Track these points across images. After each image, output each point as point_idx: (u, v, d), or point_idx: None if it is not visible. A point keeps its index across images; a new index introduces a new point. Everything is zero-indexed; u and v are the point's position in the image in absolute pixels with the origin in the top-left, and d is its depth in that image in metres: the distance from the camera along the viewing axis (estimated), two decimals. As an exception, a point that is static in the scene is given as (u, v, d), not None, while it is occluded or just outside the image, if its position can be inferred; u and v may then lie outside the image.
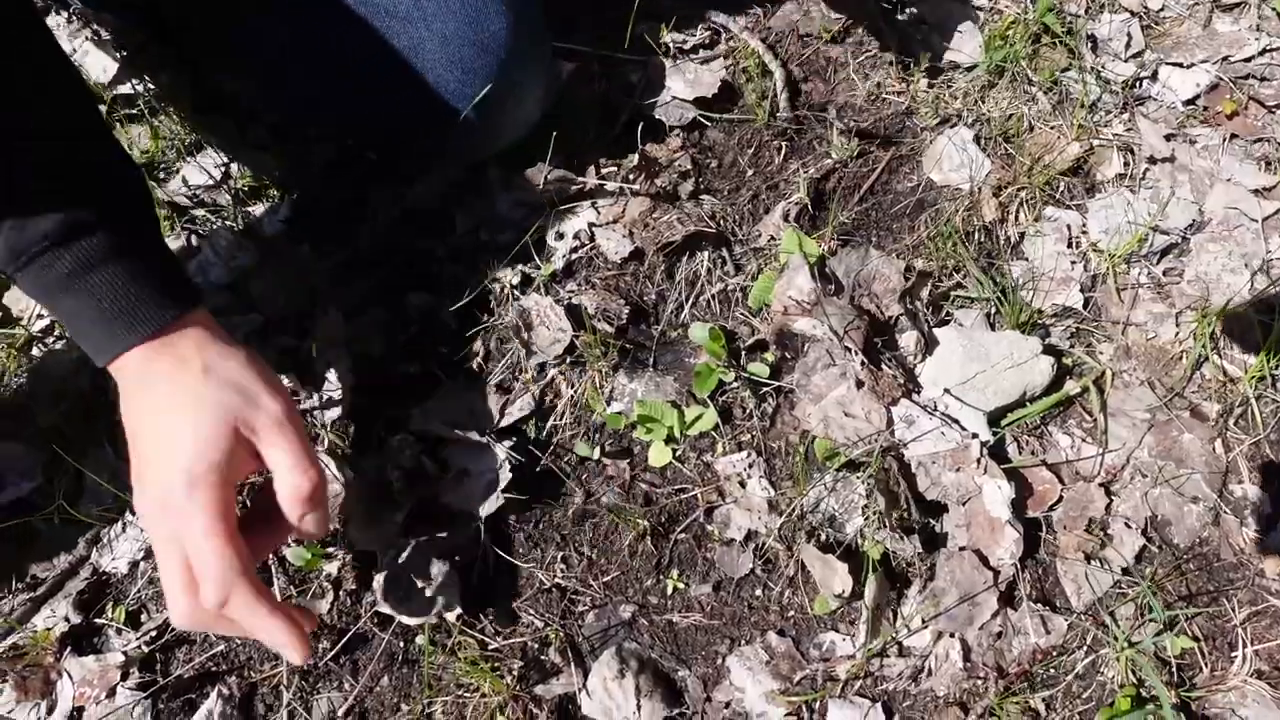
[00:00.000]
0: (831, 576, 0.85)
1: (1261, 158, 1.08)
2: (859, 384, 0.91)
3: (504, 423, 0.95)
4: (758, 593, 0.90)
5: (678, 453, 0.95)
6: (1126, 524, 0.89)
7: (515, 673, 0.87)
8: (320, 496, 0.68)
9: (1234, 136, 1.09)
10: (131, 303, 0.65)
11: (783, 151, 1.11)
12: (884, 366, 0.92)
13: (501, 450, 0.92)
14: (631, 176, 1.05)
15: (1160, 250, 1.03)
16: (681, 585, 0.91)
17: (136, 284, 0.66)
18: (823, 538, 0.90)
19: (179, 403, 0.65)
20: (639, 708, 0.84)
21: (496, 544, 0.93)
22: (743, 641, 0.89)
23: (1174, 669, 0.84)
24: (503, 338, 1.01)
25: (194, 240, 1.10)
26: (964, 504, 0.89)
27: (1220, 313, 0.96)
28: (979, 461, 0.89)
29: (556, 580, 0.92)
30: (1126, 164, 1.08)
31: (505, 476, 0.91)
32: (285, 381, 0.96)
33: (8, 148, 0.62)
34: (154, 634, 0.89)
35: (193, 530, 0.62)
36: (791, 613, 0.90)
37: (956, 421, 0.91)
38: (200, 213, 1.12)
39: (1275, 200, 1.05)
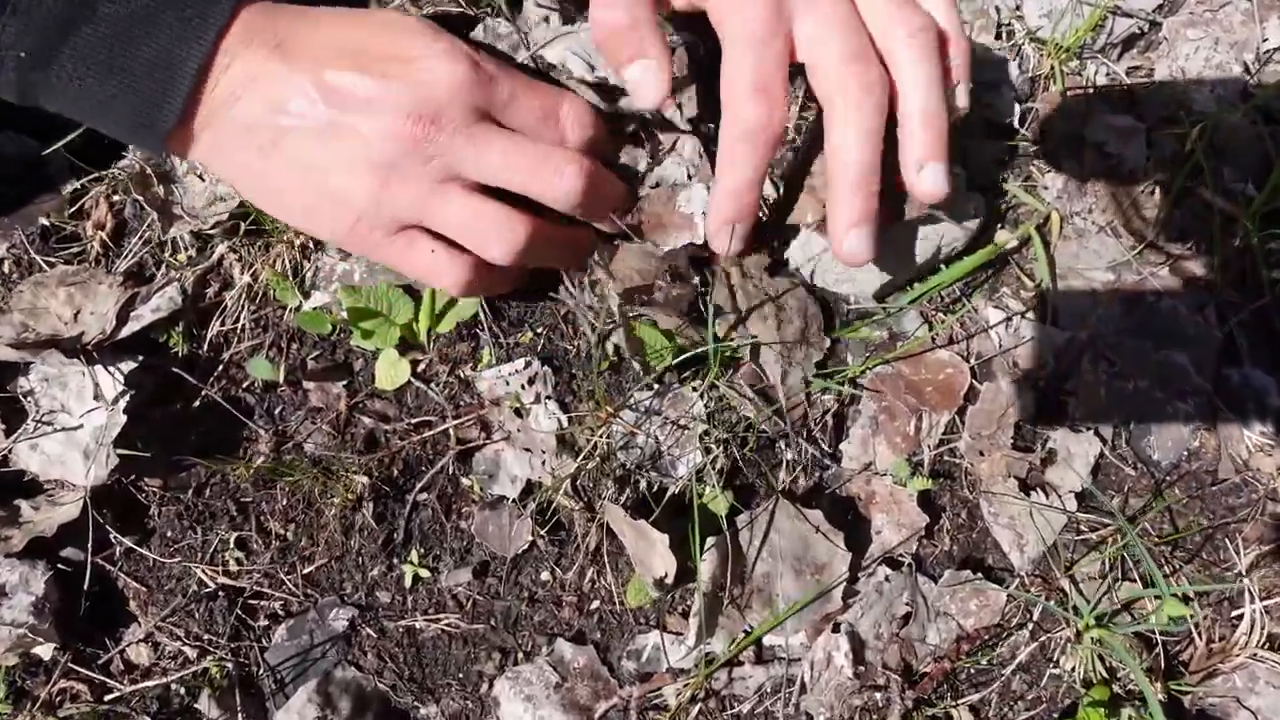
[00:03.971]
0: (649, 552, 0.53)
1: (1251, -89, 0.77)
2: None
3: (125, 331, 0.59)
4: (544, 577, 0.59)
5: (420, 367, 0.61)
6: (1074, 428, 0.60)
7: (144, 738, 0.54)
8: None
9: (1214, -117, 0.77)
10: None
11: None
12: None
13: (110, 379, 0.56)
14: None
15: (1121, 40, 0.72)
16: (426, 572, 0.58)
17: None
18: (642, 485, 0.58)
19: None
20: (346, 780, 0.52)
21: (122, 529, 0.58)
22: (520, 655, 0.57)
23: (1158, 646, 0.56)
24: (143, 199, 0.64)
25: None
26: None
27: (1207, 124, 0.66)
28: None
29: (224, 579, 0.58)
30: (1074, -80, 0.76)
31: (117, 421, 0.55)
32: None
33: None
34: None
35: (516, 86, 0.50)
36: (596, 605, 0.58)
37: (835, 296, 0.61)
38: None
39: (1271, -31, 0.74)
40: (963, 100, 0.52)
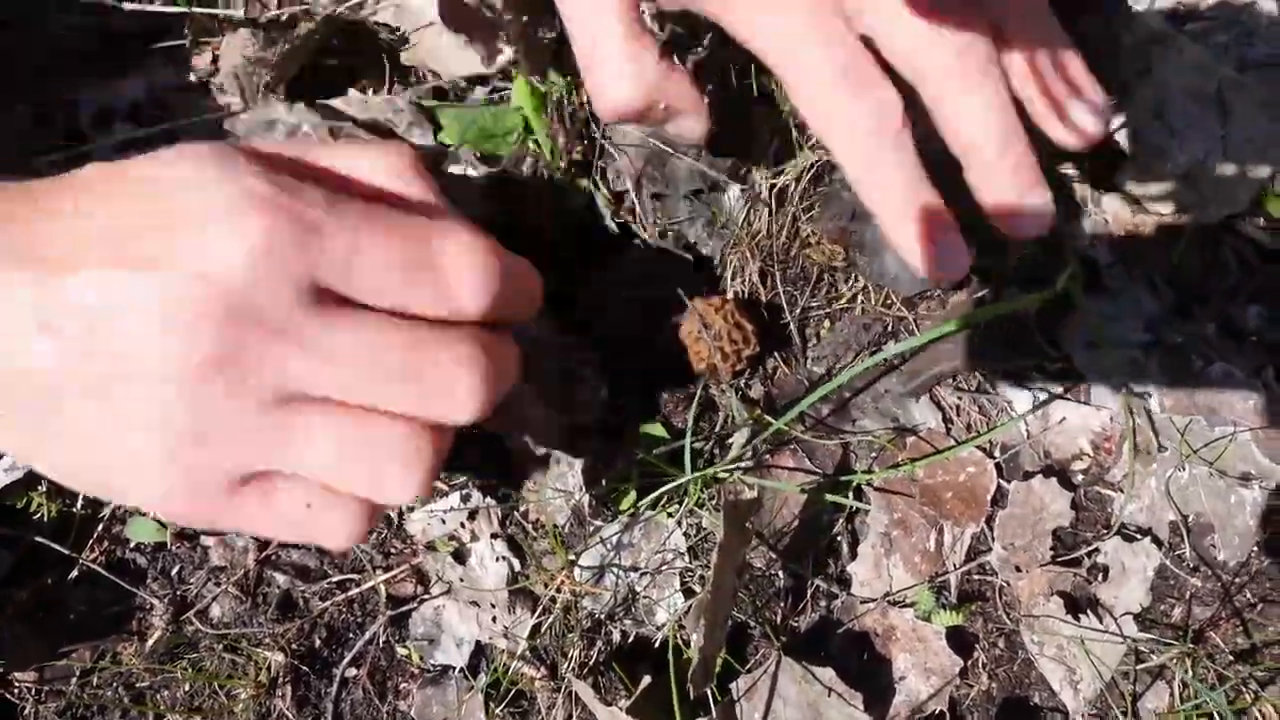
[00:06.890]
0: (625, 739, 0.44)
1: None
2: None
3: (-26, 501, 0.49)
4: (503, 761, 0.49)
5: (340, 507, 0.51)
6: (1125, 535, 0.51)
7: None
8: None
9: None
10: None
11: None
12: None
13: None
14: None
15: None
16: (362, 763, 0.49)
17: None
18: (615, 638, 0.48)
19: None
20: None
21: (-14, 740, 0.48)
22: None
23: (1244, 797, 0.47)
24: None
25: None
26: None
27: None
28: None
29: (116, 792, 0.48)
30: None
31: (-38, 621, 0.45)
32: None
33: None
34: None
35: (358, 233, 0.30)
36: (568, 791, 0.48)
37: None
38: None
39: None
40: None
